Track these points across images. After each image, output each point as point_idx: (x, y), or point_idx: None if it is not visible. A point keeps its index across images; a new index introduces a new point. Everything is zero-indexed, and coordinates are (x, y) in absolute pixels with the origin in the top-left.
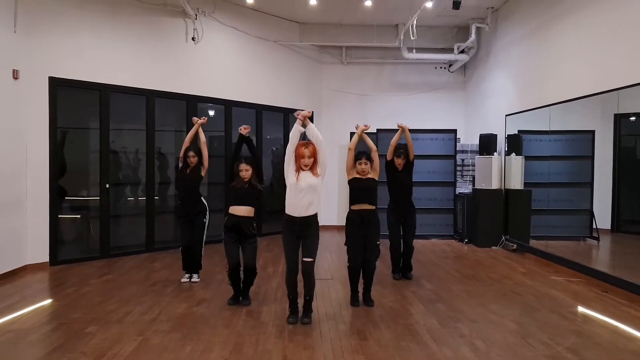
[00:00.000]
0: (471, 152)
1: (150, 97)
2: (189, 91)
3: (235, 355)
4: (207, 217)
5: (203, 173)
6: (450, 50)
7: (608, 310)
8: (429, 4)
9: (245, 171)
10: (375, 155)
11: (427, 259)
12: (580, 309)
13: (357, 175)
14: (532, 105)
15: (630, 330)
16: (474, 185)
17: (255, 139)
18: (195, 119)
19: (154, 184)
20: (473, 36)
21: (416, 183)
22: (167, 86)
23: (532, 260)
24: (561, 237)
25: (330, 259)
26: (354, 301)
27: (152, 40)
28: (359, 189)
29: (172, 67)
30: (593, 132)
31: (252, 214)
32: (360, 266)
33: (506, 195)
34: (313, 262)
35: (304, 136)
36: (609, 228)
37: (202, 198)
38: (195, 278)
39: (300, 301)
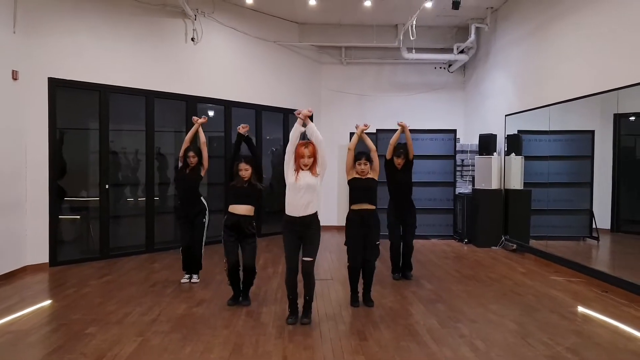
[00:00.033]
0: (471, 152)
1: (149, 98)
2: (188, 92)
3: (235, 356)
4: (207, 217)
5: (203, 173)
6: (449, 50)
7: (608, 310)
8: (428, 4)
9: (245, 170)
10: (374, 156)
11: (427, 259)
12: (580, 309)
13: (357, 176)
14: (532, 105)
15: (630, 330)
16: (473, 185)
17: (255, 139)
18: (195, 118)
19: (153, 185)
20: (472, 36)
21: (416, 183)
22: (166, 87)
23: (532, 260)
24: (561, 237)
25: (330, 259)
26: (353, 301)
27: (152, 40)
28: (358, 189)
29: (171, 68)
30: (593, 132)
31: (251, 213)
32: (360, 266)
33: (506, 195)
34: (313, 262)
35: (304, 136)
36: (609, 228)
37: (201, 198)
38: (195, 279)
39: (300, 302)
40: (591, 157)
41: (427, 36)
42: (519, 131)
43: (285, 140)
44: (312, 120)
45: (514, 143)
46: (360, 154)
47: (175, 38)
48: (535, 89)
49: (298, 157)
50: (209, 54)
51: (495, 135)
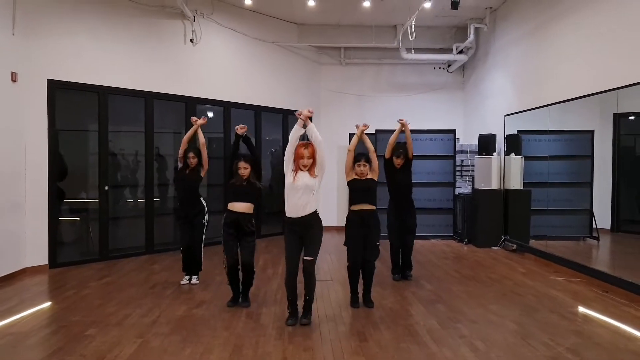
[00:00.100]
0: (470, 152)
1: (149, 99)
2: (187, 93)
3: (235, 357)
4: (206, 217)
5: (203, 174)
6: (448, 50)
7: (608, 310)
8: (427, 5)
9: (244, 169)
10: (373, 157)
11: (427, 260)
12: (581, 309)
13: (356, 177)
14: (531, 105)
15: (630, 330)
16: (473, 185)
17: (254, 140)
18: (194, 119)
19: (153, 186)
20: (472, 36)
21: (415, 183)
22: (165, 88)
23: (532, 260)
24: (561, 237)
25: (330, 260)
26: (353, 302)
27: (151, 42)
28: (358, 190)
29: (170, 69)
30: (592, 131)
31: (251, 211)
32: (359, 267)
33: (506, 195)
34: (314, 261)
35: (304, 136)
36: (609, 228)
37: (201, 199)
38: (194, 280)
39: (300, 303)
40: (591, 157)
41: (426, 36)
42: (518, 131)
43: (285, 141)
44: (311, 121)
45: (514, 143)
46: (359, 155)
47: (174, 39)
48: (534, 89)
49: (297, 157)
50: (208, 55)
51: (494, 136)
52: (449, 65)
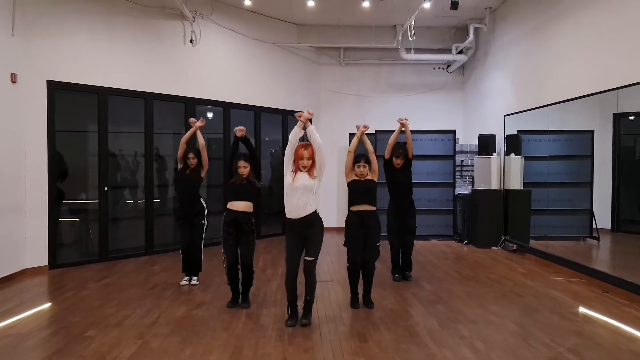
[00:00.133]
0: (470, 152)
1: (148, 100)
2: (187, 93)
3: (235, 358)
4: (206, 218)
5: (203, 174)
6: (448, 50)
7: (609, 311)
8: (426, 5)
9: (244, 168)
10: (373, 158)
11: (427, 260)
12: (581, 309)
13: (356, 178)
14: (531, 106)
15: (631, 331)
16: (473, 185)
17: (254, 141)
18: (192, 120)
19: (152, 187)
20: (471, 36)
21: (415, 184)
22: (165, 89)
23: (532, 260)
24: (561, 237)
25: (330, 261)
26: (353, 303)
27: (150, 42)
28: (358, 191)
29: (170, 70)
30: (592, 131)
31: (250, 210)
32: (359, 267)
33: (506, 195)
34: (314, 262)
35: (304, 137)
36: (609, 228)
37: (201, 199)
38: (194, 281)
39: (300, 304)
40: (591, 157)
41: (425, 37)
42: (518, 131)
43: (284, 141)
44: (311, 123)
45: (514, 143)
46: (359, 156)
47: (173, 40)
48: (534, 89)
49: (297, 158)
50: (208, 55)
51: (494, 136)
52: (448, 66)
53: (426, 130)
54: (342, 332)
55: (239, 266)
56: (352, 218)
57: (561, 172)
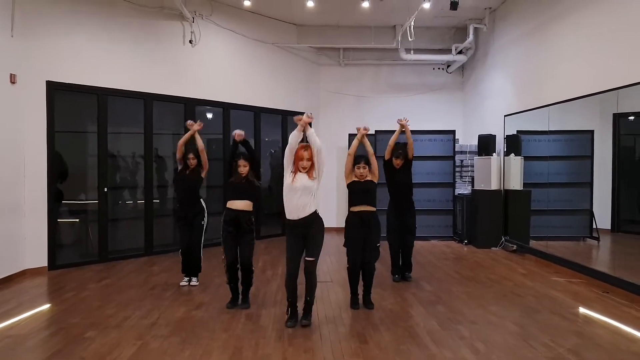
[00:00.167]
0: (470, 152)
1: (148, 101)
2: (186, 94)
3: (235, 359)
4: (206, 218)
5: (203, 175)
6: (448, 51)
7: (609, 311)
8: (426, 5)
9: (243, 167)
10: (373, 160)
11: (427, 261)
12: (581, 309)
13: (356, 179)
14: (531, 106)
15: (632, 332)
16: (473, 186)
17: (254, 141)
18: (190, 122)
19: (152, 187)
20: (471, 37)
21: (415, 184)
22: (164, 89)
23: (532, 261)
24: (561, 237)
25: (330, 262)
26: (353, 304)
27: (150, 43)
28: (358, 192)
29: (169, 70)
30: (592, 132)
31: (250, 209)
32: (359, 268)
33: (505, 195)
34: (315, 262)
35: (303, 138)
36: (609, 228)
37: (201, 200)
38: (194, 281)
39: (300, 304)
40: (591, 157)
41: (425, 37)
42: (518, 131)
43: (284, 142)
44: (311, 126)
45: (514, 143)
46: (359, 157)
47: (173, 40)
48: (534, 89)
49: (297, 159)
50: (207, 56)
51: (494, 136)
52: (448, 66)
53: (426, 131)
54: (342, 332)
55: (239, 265)
56: (352, 218)
57: (561, 172)
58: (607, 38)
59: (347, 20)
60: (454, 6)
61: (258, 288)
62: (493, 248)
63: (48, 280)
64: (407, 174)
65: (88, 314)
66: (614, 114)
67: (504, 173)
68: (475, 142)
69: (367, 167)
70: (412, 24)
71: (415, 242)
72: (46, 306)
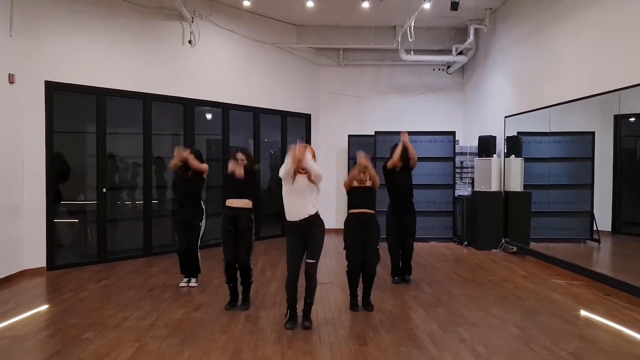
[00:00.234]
0: (470, 154)
1: (147, 101)
2: (186, 94)
3: None
4: (204, 221)
5: (204, 175)
6: (448, 51)
7: (611, 314)
8: (426, 5)
9: (241, 160)
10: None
11: (427, 262)
12: (583, 312)
13: (356, 184)
14: (532, 107)
15: (634, 335)
16: (473, 187)
17: (253, 142)
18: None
19: (151, 188)
20: (471, 37)
21: (415, 186)
22: (164, 90)
23: (532, 263)
24: (561, 239)
25: (329, 263)
26: (353, 306)
27: (149, 43)
28: (358, 195)
29: (169, 71)
30: (593, 133)
31: (249, 206)
32: (359, 270)
33: (506, 197)
34: (316, 264)
35: (302, 138)
36: (610, 230)
37: (201, 202)
38: (193, 282)
39: (300, 306)
40: (591, 159)
41: (425, 37)
42: (518, 133)
43: (283, 142)
44: (309, 124)
45: (514, 145)
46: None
47: (172, 41)
48: (534, 90)
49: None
50: (207, 56)
51: (494, 137)
52: (448, 67)
53: (426, 132)
54: (341, 335)
55: (237, 265)
56: (352, 219)
57: (562, 174)
58: (608, 39)
59: (347, 20)
60: (454, 7)
61: (257, 289)
62: (493, 250)
63: (47, 281)
64: (407, 176)
65: (87, 314)
66: (615, 116)
67: (504, 174)
68: (476, 143)
69: (366, 172)
70: (412, 24)
71: (415, 243)
72: (44, 307)
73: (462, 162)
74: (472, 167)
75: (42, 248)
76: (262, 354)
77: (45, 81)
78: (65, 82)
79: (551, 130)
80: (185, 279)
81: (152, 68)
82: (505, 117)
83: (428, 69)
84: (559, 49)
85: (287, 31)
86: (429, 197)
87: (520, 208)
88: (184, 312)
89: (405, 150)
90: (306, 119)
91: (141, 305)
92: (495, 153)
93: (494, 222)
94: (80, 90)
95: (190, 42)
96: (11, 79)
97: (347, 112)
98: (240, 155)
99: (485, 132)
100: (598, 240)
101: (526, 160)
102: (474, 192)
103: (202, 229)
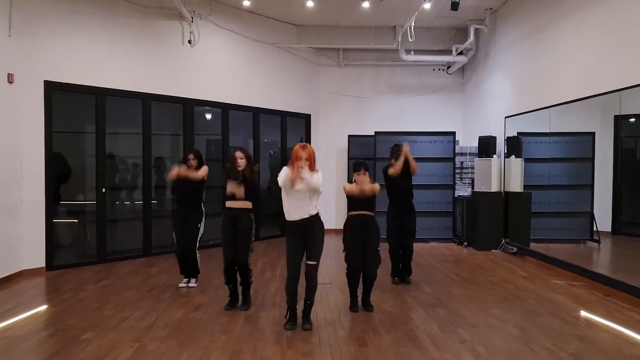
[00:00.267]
0: (470, 154)
1: (146, 101)
2: (185, 94)
3: None
4: (203, 223)
5: (205, 178)
6: (448, 52)
7: (611, 315)
8: (427, 5)
9: (240, 159)
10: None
11: (427, 263)
12: (583, 313)
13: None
14: (532, 107)
15: (634, 335)
16: (473, 188)
17: (253, 142)
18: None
19: (150, 188)
20: (471, 38)
21: (415, 186)
22: (163, 89)
23: (532, 263)
24: (561, 239)
25: (329, 264)
26: (353, 306)
27: (149, 43)
28: (357, 196)
29: (168, 71)
30: (593, 133)
31: (249, 207)
32: (359, 271)
33: (506, 197)
34: (316, 266)
35: (302, 139)
36: (610, 230)
37: (202, 204)
38: (192, 283)
39: (300, 306)
40: (592, 159)
41: (425, 38)
42: (518, 133)
43: (283, 143)
44: (309, 124)
45: (514, 145)
46: (358, 164)
47: (172, 40)
48: (535, 91)
49: (295, 159)
50: (206, 56)
51: (494, 138)
52: (448, 67)
53: (426, 132)
54: (341, 336)
55: (236, 265)
56: (351, 221)
57: (562, 174)
58: (609, 39)
59: (347, 20)
60: (454, 7)
61: (257, 290)
62: (493, 250)
63: (46, 281)
64: (407, 179)
65: (86, 315)
66: (615, 116)
67: (504, 175)
68: (476, 143)
69: (367, 173)
70: (413, 24)
71: (415, 244)
72: (43, 307)
73: (462, 163)
74: (472, 168)
75: (42, 248)
76: (262, 354)
77: (44, 81)
78: (64, 82)
79: (551, 131)
80: (185, 280)
81: (152, 68)
82: (506, 117)
83: (428, 69)
84: (560, 49)
85: (287, 31)
86: (429, 198)
87: (520, 208)
88: (183, 312)
89: (406, 160)
90: (306, 119)
91: (140, 306)
92: (495, 153)
93: (494, 222)
94: (79, 90)
95: (190, 42)
96: (10, 79)
97: (347, 112)
98: (239, 154)
99: (486, 133)
100: (598, 241)
101: (526, 160)
102: (474, 193)
103: (201, 231)
